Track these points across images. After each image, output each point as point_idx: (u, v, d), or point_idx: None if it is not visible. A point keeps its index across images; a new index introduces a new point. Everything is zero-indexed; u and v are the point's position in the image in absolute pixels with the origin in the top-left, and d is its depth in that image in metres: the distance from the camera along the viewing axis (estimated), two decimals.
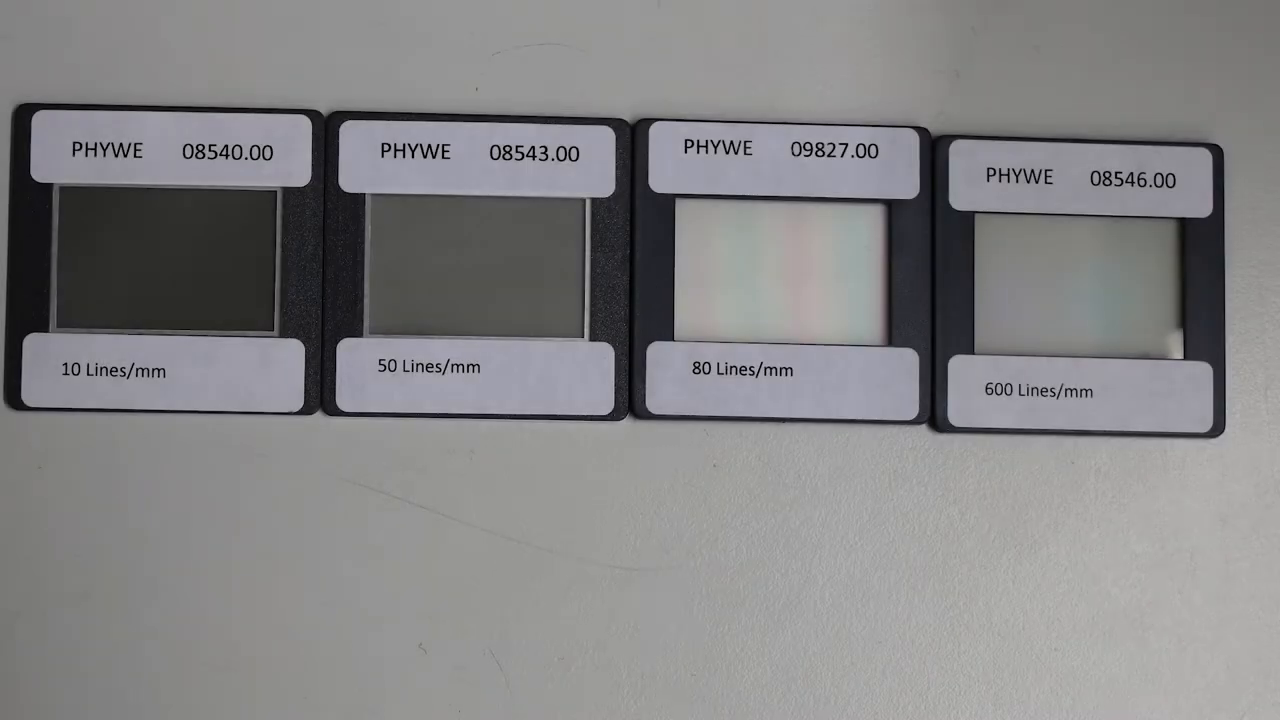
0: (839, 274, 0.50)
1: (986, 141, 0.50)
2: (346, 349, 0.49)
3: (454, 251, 0.49)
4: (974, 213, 0.50)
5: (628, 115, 0.50)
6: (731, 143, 0.49)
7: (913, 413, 0.49)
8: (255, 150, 0.49)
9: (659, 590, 0.49)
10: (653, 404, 0.49)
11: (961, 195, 0.50)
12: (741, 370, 0.49)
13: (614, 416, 0.49)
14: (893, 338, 0.49)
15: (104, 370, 0.48)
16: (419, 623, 0.48)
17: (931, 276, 0.50)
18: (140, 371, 0.48)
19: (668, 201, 0.49)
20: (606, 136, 0.49)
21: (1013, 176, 0.50)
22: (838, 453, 0.50)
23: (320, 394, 0.48)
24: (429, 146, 0.49)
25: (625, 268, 0.49)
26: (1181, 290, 0.50)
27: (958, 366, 0.49)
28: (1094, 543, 0.50)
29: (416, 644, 0.48)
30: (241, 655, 0.48)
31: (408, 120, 0.49)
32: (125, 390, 0.48)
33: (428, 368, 0.48)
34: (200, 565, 0.48)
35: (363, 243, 0.49)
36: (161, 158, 0.48)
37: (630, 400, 0.49)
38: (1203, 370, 0.50)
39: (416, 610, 0.48)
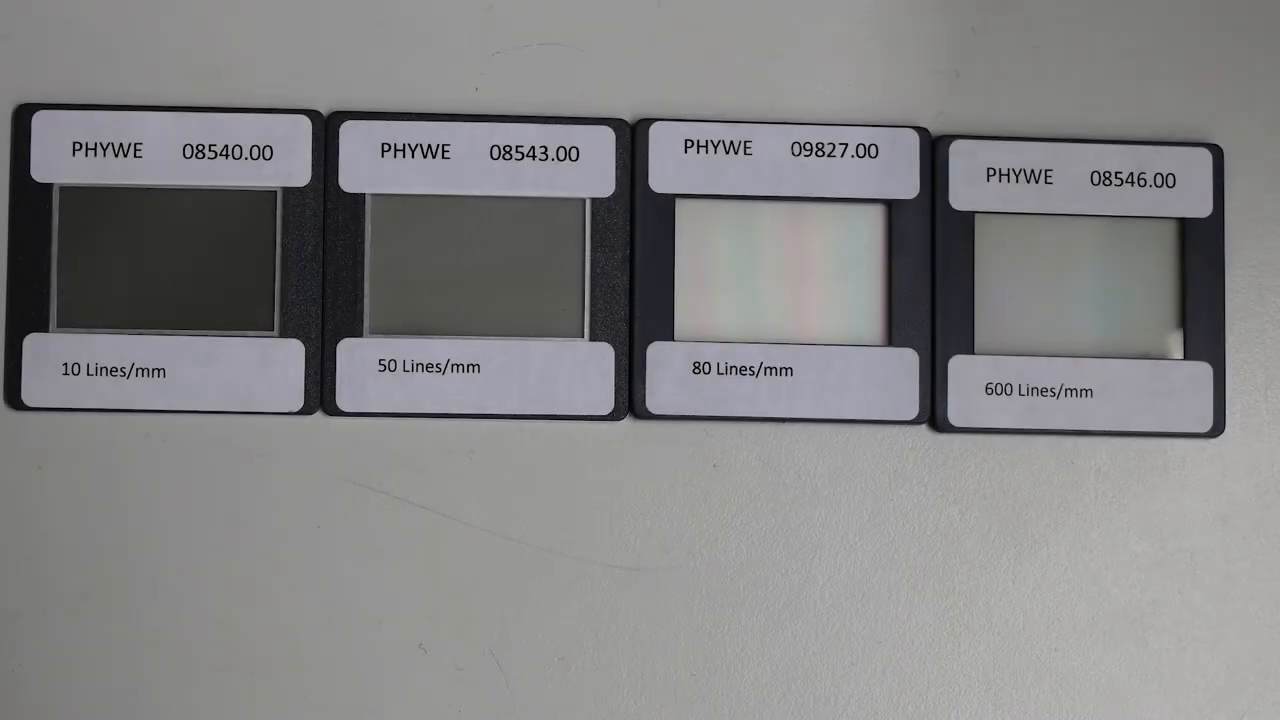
0: (839, 274, 0.50)
1: (986, 141, 0.50)
2: (346, 349, 0.49)
3: (454, 251, 0.49)
4: (974, 213, 0.50)
5: (628, 115, 0.50)
6: (731, 143, 0.49)
7: (913, 413, 0.49)
8: (255, 150, 0.49)
9: (659, 590, 0.49)
10: (653, 404, 0.49)
11: (961, 195, 0.50)
12: (741, 370, 0.49)
13: (614, 416, 0.49)
14: (893, 338, 0.49)
15: (104, 370, 0.48)
16: (419, 623, 0.48)
17: (931, 276, 0.50)
18: (140, 371, 0.48)
19: (668, 201, 0.49)
20: (606, 136, 0.49)
21: (1013, 176, 0.50)
22: (838, 453, 0.49)
23: (320, 394, 0.48)
24: (429, 146, 0.49)
25: (625, 268, 0.49)
26: (1181, 290, 0.50)
27: (958, 366, 0.49)
28: (1094, 543, 0.50)
29: (416, 644, 0.48)
30: (241, 655, 0.48)
31: (408, 120, 0.49)
32: (125, 390, 0.48)
33: (428, 368, 0.48)
34: (200, 565, 0.48)
35: (363, 243, 0.49)
36: (161, 158, 0.48)
37: (630, 400, 0.49)
38: (1203, 370, 0.50)
39: (416, 610, 0.48)
